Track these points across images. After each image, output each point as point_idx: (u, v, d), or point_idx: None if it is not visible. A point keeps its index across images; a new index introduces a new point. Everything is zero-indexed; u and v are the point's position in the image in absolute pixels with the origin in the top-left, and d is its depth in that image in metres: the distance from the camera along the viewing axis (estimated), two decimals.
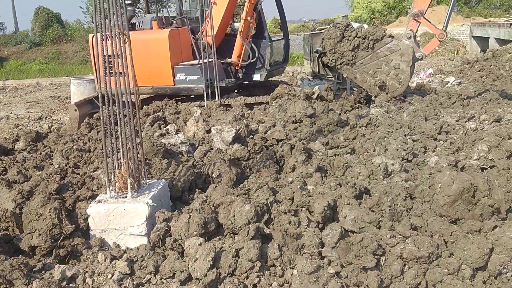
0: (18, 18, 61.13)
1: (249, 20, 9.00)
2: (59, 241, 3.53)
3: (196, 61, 8.16)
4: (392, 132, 5.53)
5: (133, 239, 3.74)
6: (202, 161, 5.19)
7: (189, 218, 3.52)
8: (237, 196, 3.85)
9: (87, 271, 3.31)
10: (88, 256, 3.50)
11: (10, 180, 4.59)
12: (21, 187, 4.08)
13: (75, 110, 8.60)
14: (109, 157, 3.94)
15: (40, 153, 5.81)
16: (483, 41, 21.87)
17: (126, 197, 3.86)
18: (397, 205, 3.64)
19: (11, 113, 13.00)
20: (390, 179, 4.25)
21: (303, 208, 3.63)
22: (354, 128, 5.93)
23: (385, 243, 3.23)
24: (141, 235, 3.71)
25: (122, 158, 3.93)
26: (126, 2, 8.38)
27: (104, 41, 3.78)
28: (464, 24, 23.75)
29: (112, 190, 3.88)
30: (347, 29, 7.75)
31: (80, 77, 12.23)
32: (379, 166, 4.44)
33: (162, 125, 6.49)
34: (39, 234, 3.48)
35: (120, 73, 3.80)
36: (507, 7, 38.59)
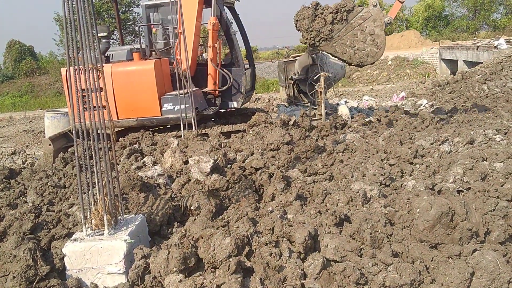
0: None
1: (216, 47, 9.14)
2: (35, 283, 3.41)
3: (181, 91, 8.16)
4: (368, 157, 5.59)
5: (111, 278, 3.64)
6: (180, 193, 5.13)
7: (168, 253, 3.44)
8: (217, 228, 3.80)
9: None
10: None
11: None
12: None
13: (50, 144, 8.46)
14: (84, 193, 3.86)
15: (14, 190, 5.66)
16: (452, 64, 22.52)
17: (103, 234, 3.77)
18: (378, 231, 3.64)
19: None
20: (369, 205, 4.26)
21: (284, 239, 3.60)
22: (331, 154, 5.97)
23: (367, 272, 3.21)
24: (119, 273, 3.62)
25: (98, 193, 3.86)
26: (101, 34, 8.37)
27: (78, 75, 3.75)
28: (433, 47, 24.46)
29: (88, 228, 3.78)
30: (317, 7, 7.97)
31: (54, 110, 12.08)
32: (357, 192, 4.45)
33: (139, 158, 6.42)
34: (13, 277, 3.36)
35: (94, 107, 3.75)
36: (473, 30, 39.97)
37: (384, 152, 5.71)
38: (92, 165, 3.88)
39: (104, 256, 3.62)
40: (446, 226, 3.54)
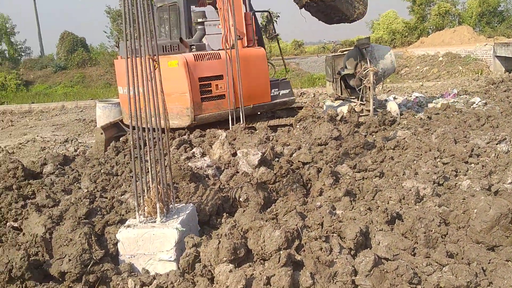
0: (44, 42, 62.77)
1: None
2: (89, 266, 3.51)
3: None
4: (421, 155, 5.44)
5: (162, 265, 3.71)
6: (228, 184, 5.17)
7: (219, 243, 3.48)
8: (266, 221, 3.80)
9: None
10: (117, 283, 3.47)
11: (39, 204, 4.63)
12: (50, 211, 4.10)
13: (101, 133, 8.71)
14: (137, 181, 3.94)
15: (68, 176, 5.86)
16: (507, 61, 21.59)
17: (155, 221, 3.85)
18: (432, 231, 3.55)
19: (37, 136, 13.23)
20: (422, 204, 4.16)
21: (334, 234, 3.56)
22: (381, 151, 5.85)
23: (421, 272, 3.13)
24: (170, 261, 3.68)
25: (151, 182, 3.94)
26: (199, 20, 8.45)
27: (134, 65, 3.82)
28: (487, 44, 23.51)
29: (141, 215, 3.87)
30: None
31: (105, 100, 12.40)
32: (410, 190, 4.35)
33: (188, 148, 6.51)
34: (69, 260, 3.48)
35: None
36: None
37: (438, 150, 5.54)
38: (146, 155, 3.96)
39: (156, 243, 3.70)
40: (505, 228, 3.40)
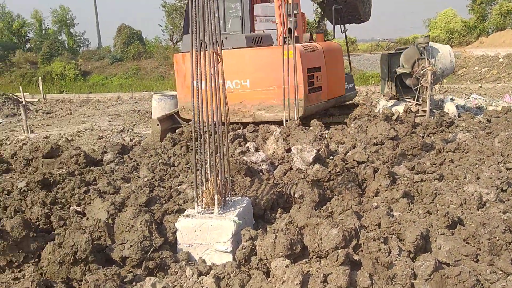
0: (101, 34, 64.95)
1: None
2: (149, 253, 3.63)
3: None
4: (483, 159, 5.25)
5: (218, 256, 3.78)
6: (282, 180, 5.19)
7: (275, 238, 3.50)
8: (323, 219, 3.79)
9: (175, 285, 3.37)
10: (176, 270, 3.57)
11: (101, 191, 4.82)
12: (113, 198, 4.25)
13: (158, 124, 8.95)
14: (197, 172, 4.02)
15: (127, 165, 6.06)
16: None
17: (212, 213, 3.92)
18: (496, 238, 3.42)
19: (94, 125, 13.73)
20: (485, 210, 4.01)
21: (393, 236, 3.50)
22: (440, 153, 5.69)
23: (484, 279, 3.04)
24: (227, 252, 3.74)
25: (209, 174, 4.01)
26: (294, 12, 8.58)
27: (197, 59, 3.89)
28: None
29: (199, 205, 3.95)
30: None
31: (161, 93, 12.72)
32: (472, 195, 4.21)
33: (242, 143, 6.58)
34: (130, 246, 3.60)
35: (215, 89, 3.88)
36: None
37: (501, 155, 5.33)
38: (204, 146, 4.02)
39: (214, 234, 3.77)
40: None
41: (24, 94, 20.29)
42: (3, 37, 42.54)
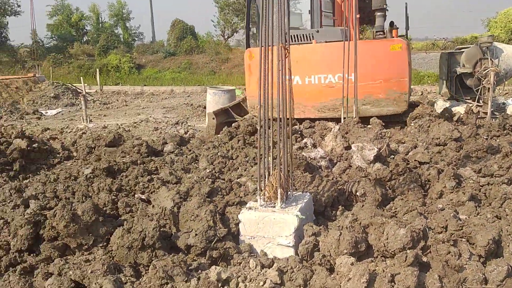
0: (155, 28, 66.54)
1: None
2: (213, 243, 3.68)
3: None
4: None
5: (280, 249, 3.79)
6: (340, 177, 5.14)
7: (340, 235, 3.47)
8: (387, 218, 3.72)
9: (239, 276, 3.41)
10: (239, 261, 3.61)
11: (164, 180, 4.93)
12: (178, 187, 4.34)
13: (213, 118, 9.07)
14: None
15: (186, 156, 6.18)
16: None
17: (274, 206, 3.93)
18: None
19: (150, 116, 14.09)
20: None
21: (463, 239, 3.40)
22: (508, 156, 5.46)
23: None
24: (289, 246, 3.74)
25: (270, 167, 4.02)
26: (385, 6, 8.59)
27: (265, 55, 3.91)
28: None
29: (261, 198, 3.97)
30: None
31: (215, 87, 12.88)
32: None
33: (299, 138, 6.56)
34: (196, 234, 3.67)
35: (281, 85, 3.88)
36: None
37: None
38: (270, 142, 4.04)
39: (276, 228, 3.78)
40: None
41: (80, 85, 21.09)
42: (62, 30, 44.26)
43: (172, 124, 12.24)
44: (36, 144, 8.75)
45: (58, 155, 8.98)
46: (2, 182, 7.55)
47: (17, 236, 3.81)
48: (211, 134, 8.95)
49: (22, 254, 3.84)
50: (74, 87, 20.21)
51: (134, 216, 4.22)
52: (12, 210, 4.15)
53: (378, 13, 8.44)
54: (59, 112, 16.68)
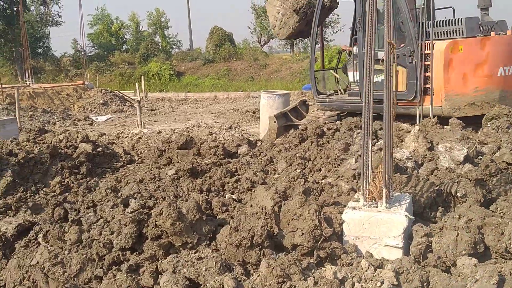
0: (193, 36, 67.48)
1: None
2: (319, 242, 3.63)
3: None
4: None
5: (387, 250, 3.69)
6: (428, 178, 5.00)
7: (457, 236, 3.36)
8: (504, 219, 3.59)
9: (353, 276, 3.33)
10: (347, 261, 3.54)
11: (252, 180, 4.91)
12: (275, 187, 4.30)
13: (274, 121, 9.05)
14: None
15: (261, 158, 6.15)
16: None
17: (376, 206, 3.85)
18: None
19: (201, 121, 14.19)
20: None
21: None
22: None
23: None
24: (397, 247, 3.65)
25: (369, 167, 3.94)
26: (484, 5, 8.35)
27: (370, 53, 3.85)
28: None
29: (364, 198, 3.89)
30: None
31: (269, 91, 12.84)
32: None
33: (374, 140, 6.43)
34: (302, 234, 3.62)
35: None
36: None
37: None
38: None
39: (383, 228, 3.69)
40: None
41: (128, 92, 21.51)
42: (103, 39, 45.34)
43: (225, 129, 12.28)
44: (100, 148, 8.94)
45: (120, 159, 9.16)
46: (73, 184, 7.76)
47: (121, 234, 3.85)
48: (273, 137, 8.92)
49: (124, 253, 3.88)
50: (122, 94, 20.59)
51: (230, 215, 4.21)
52: (111, 209, 4.19)
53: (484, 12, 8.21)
54: (109, 118, 17.02)
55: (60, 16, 40.60)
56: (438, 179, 4.89)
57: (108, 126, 15.23)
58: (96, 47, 43.09)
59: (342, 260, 3.59)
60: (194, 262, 3.41)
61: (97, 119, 16.78)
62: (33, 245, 4.43)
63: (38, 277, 3.73)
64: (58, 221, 4.28)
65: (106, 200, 4.41)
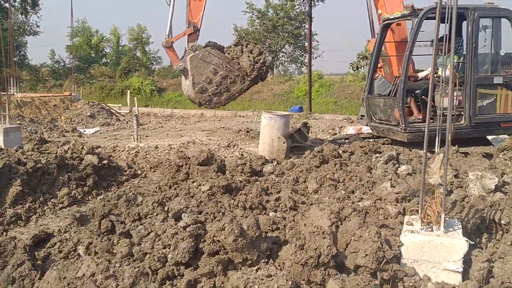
0: None
1: None
2: (381, 264, 3.64)
3: None
4: None
5: (446, 274, 3.74)
6: (472, 205, 5.09)
7: None
8: None
9: None
10: (411, 284, 3.58)
11: (293, 199, 4.91)
12: (330, 208, 4.30)
13: (284, 142, 9.12)
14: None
15: (286, 177, 6.17)
16: None
17: (431, 230, 3.91)
18: None
19: (195, 138, 14.10)
20: None
21: None
22: None
23: None
24: (457, 271, 3.70)
25: (422, 192, 4.01)
26: None
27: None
28: None
29: (420, 222, 3.95)
30: None
31: (270, 112, 12.91)
32: None
33: (396, 165, 6.55)
34: (366, 255, 3.64)
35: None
36: None
37: None
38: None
39: (443, 252, 3.74)
40: None
41: (113, 105, 21.22)
42: (82, 51, 44.84)
43: (224, 147, 12.23)
44: (106, 161, 8.78)
45: (124, 173, 9.01)
46: (79, 197, 7.57)
47: (178, 248, 3.77)
48: (281, 157, 8.97)
49: (179, 267, 3.80)
50: (108, 107, 20.29)
51: (282, 233, 4.19)
52: (161, 223, 4.11)
53: None
54: (97, 131, 16.71)
55: (38, 26, 39.98)
56: (471, 206, 5.01)
57: (98, 139, 14.93)
58: (76, 59, 42.54)
59: (405, 283, 3.62)
60: (263, 280, 3.37)
61: (85, 131, 16.45)
62: (73, 257, 4.28)
63: None
64: (105, 233, 4.15)
65: (154, 214, 4.32)
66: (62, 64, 39.68)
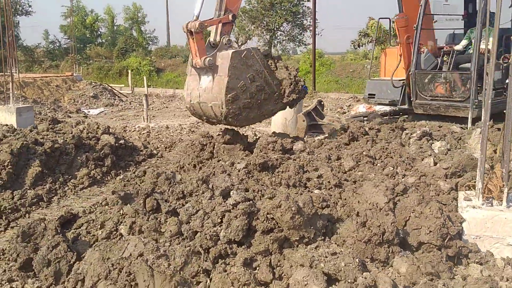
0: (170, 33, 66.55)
1: None
2: (446, 240, 3.51)
3: None
4: None
5: (509, 250, 3.62)
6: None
7: None
8: None
9: (496, 274, 3.24)
10: (476, 260, 3.46)
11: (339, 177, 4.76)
12: (385, 184, 4.13)
13: (303, 120, 8.95)
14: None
15: (317, 155, 5.99)
16: None
17: (491, 205, 3.78)
18: None
19: None
20: None
21: None
22: None
23: None
24: None
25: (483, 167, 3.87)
26: None
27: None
28: None
29: (481, 197, 3.81)
30: None
31: None
32: None
33: (430, 141, 6.40)
34: (430, 231, 3.50)
35: None
36: None
37: None
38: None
39: (507, 228, 3.62)
40: None
41: (116, 86, 20.89)
42: (77, 31, 44.04)
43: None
44: (122, 141, 8.58)
45: (141, 152, 8.83)
46: (98, 178, 7.39)
47: (231, 226, 3.61)
48: (301, 135, 8.81)
49: (231, 246, 3.64)
50: (111, 88, 19.96)
51: (334, 210, 4.04)
52: (209, 200, 3.94)
53: None
54: (102, 111, 16.44)
55: (30, 6, 39.12)
56: None
57: (103, 119, 14.68)
58: (73, 40, 41.84)
59: (470, 259, 3.49)
60: (328, 257, 3.22)
61: (89, 112, 16.18)
62: (115, 237, 4.11)
63: (141, 270, 3.43)
64: (150, 212, 3.98)
65: (199, 192, 4.14)
66: (57, 44, 39.00)
